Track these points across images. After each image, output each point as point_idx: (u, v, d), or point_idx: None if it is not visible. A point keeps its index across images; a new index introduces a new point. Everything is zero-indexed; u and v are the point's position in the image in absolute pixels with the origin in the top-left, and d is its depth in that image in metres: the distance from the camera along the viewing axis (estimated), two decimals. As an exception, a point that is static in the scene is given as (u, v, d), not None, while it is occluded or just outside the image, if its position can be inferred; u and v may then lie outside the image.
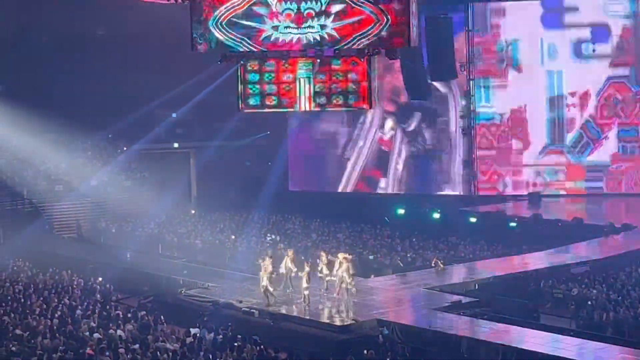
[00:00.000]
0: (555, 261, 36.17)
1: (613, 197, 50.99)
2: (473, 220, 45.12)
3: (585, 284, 31.38)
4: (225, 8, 25.09)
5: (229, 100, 28.78)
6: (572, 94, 51.51)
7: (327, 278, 30.63)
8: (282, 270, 30.80)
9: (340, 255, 30.62)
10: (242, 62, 25.56)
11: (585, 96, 51.42)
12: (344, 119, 54.95)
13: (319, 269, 30.78)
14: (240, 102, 25.60)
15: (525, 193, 51.69)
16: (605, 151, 51.29)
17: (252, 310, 29.69)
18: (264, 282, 29.87)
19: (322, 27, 24.58)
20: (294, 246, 38.81)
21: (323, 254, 31.40)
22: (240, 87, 25.47)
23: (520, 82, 52.11)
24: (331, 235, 43.08)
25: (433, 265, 35.08)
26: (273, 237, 42.52)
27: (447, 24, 42.31)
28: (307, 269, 29.87)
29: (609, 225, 41.97)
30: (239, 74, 25.54)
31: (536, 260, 36.50)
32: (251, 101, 25.60)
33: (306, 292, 29.63)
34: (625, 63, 50.82)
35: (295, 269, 30.57)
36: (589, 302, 29.28)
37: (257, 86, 25.43)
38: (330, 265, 30.64)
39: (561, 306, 30.47)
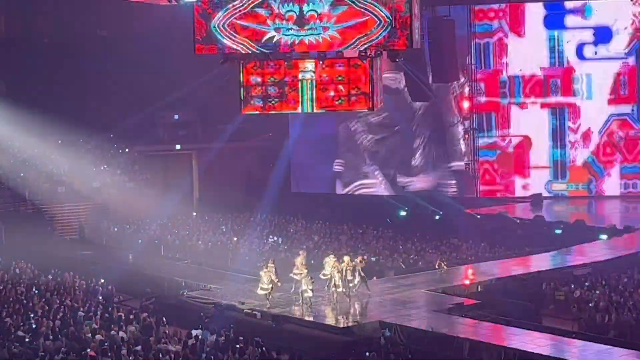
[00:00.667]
0: (557, 263, 36.18)
1: (615, 199, 51.01)
2: (475, 222, 45.16)
3: (587, 286, 31.37)
4: (228, 10, 25.10)
5: (231, 101, 28.79)
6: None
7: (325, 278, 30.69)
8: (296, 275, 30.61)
9: (346, 258, 30.76)
10: (244, 63, 25.56)
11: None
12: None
13: (322, 272, 30.77)
14: (242, 103, 25.60)
15: (528, 195, 51.68)
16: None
17: (254, 312, 29.71)
18: (265, 287, 29.86)
19: (325, 29, 24.59)
20: (297, 248, 38.80)
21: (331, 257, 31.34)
22: (242, 88, 25.46)
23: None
24: (333, 237, 43.07)
25: (437, 267, 35.10)
26: (275, 238, 42.52)
27: (449, 25, 42.30)
28: (305, 271, 29.91)
29: (611, 227, 41.96)
30: (241, 75, 25.54)
31: (538, 262, 36.48)
32: (253, 103, 25.59)
33: (306, 295, 29.64)
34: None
35: (306, 271, 30.39)
36: (591, 304, 29.27)
37: (259, 88, 25.43)
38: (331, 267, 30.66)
39: (563, 308, 30.46)
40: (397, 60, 25.95)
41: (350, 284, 30.27)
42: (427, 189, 53.01)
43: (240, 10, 25.03)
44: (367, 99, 24.81)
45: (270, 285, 29.86)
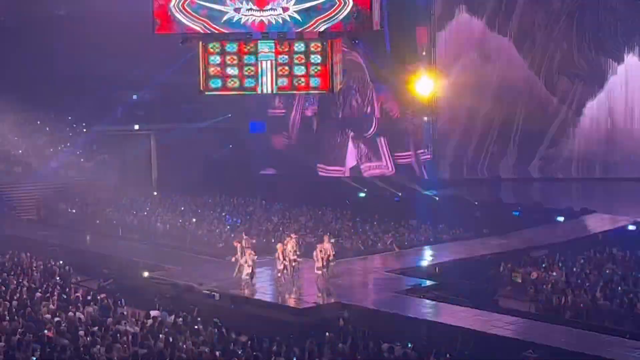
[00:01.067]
0: (514, 245, 36.44)
1: (571, 182, 51.46)
2: (433, 203, 45.39)
3: (544, 268, 31.65)
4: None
5: (190, 82, 28.65)
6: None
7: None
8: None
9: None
10: (203, 43, 25.43)
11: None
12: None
13: (276, 255, 30.79)
14: (201, 84, 25.49)
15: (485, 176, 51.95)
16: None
17: (212, 293, 29.70)
18: (248, 269, 29.99)
19: (284, 9, 24.50)
20: (256, 229, 38.88)
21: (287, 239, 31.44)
22: (201, 69, 25.34)
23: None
24: (292, 218, 43.10)
25: (389, 244, 35.51)
26: (234, 219, 42.49)
27: (410, 7, 42.38)
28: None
29: (567, 209, 42.31)
30: (200, 56, 25.42)
31: (496, 244, 36.74)
32: (212, 83, 25.47)
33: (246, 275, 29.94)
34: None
35: (297, 255, 30.56)
36: (548, 286, 29.54)
37: (219, 68, 25.32)
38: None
39: (520, 289, 30.71)
40: (356, 41, 25.95)
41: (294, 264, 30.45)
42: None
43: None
44: (326, 81, 24.78)
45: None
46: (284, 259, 30.37)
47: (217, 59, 25.18)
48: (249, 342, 22.89)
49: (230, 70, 25.18)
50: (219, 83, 25.35)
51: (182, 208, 45.97)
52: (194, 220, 42.80)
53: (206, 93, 25.86)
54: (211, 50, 25.23)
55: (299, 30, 24.76)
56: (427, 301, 28.89)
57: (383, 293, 30.09)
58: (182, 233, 40.95)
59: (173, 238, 40.39)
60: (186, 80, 36.88)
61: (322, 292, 29.78)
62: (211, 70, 25.24)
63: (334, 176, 53.22)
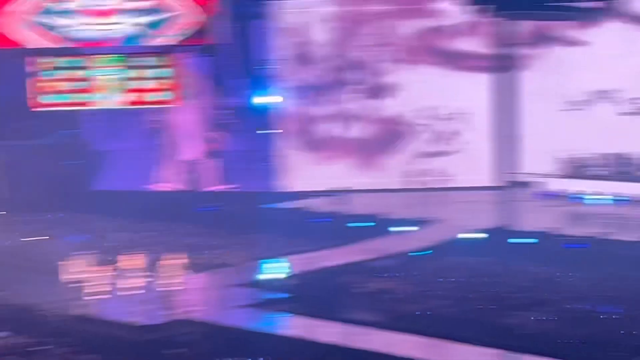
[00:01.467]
0: (357, 256, 36.89)
1: (411, 192, 52.38)
2: (275, 216, 45.55)
3: (387, 278, 32.17)
4: (30, 2, 24.53)
5: (27, 98, 28.16)
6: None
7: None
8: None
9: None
10: (40, 57, 25.05)
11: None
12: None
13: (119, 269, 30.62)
14: (33, 99, 25.09)
15: (327, 189, 52.30)
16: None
17: (56, 313, 29.21)
18: (98, 287, 29.66)
19: (130, 23, 24.41)
20: (103, 247, 38.34)
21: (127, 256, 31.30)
22: (34, 84, 24.95)
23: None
24: (141, 234, 42.63)
25: (232, 259, 35.83)
26: (81, 237, 41.80)
27: (247, 20, 42.56)
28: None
29: (409, 219, 43.03)
30: (36, 70, 25.03)
31: (339, 256, 37.10)
32: (46, 99, 25.11)
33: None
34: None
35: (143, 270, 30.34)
36: (391, 295, 30.05)
37: (56, 83, 24.99)
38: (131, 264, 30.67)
39: (365, 300, 31.16)
40: (207, 55, 26.07)
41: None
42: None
43: (43, 3, 24.51)
44: (174, 94, 24.79)
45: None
46: (130, 275, 30.21)
47: (52, 74, 24.87)
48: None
49: (67, 85, 24.91)
50: (52, 99, 25.02)
51: (23, 226, 44.97)
52: (35, 238, 41.91)
53: (40, 109, 25.48)
54: (48, 64, 24.90)
55: (145, 43, 24.70)
56: (274, 314, 29.04)
57: (229, 308, 30.09)
58: (23, 252, 40.07)
59: (13, 257, 39.46)
60: (23, 96, 36.22)
61: (169, 307, 29.64)
62: (44, 85, 24.91)
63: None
